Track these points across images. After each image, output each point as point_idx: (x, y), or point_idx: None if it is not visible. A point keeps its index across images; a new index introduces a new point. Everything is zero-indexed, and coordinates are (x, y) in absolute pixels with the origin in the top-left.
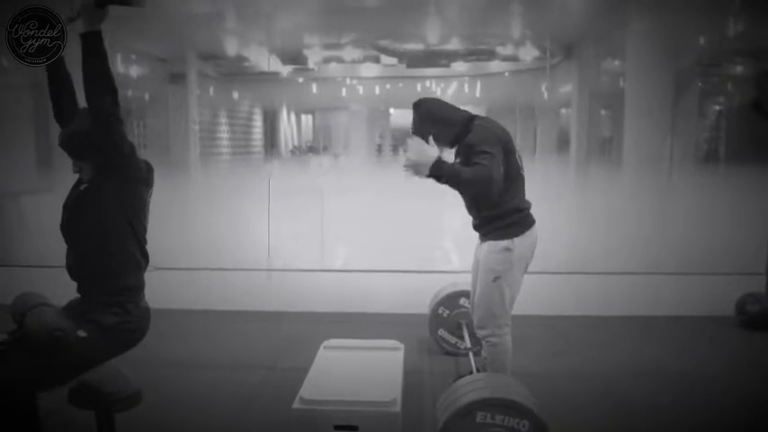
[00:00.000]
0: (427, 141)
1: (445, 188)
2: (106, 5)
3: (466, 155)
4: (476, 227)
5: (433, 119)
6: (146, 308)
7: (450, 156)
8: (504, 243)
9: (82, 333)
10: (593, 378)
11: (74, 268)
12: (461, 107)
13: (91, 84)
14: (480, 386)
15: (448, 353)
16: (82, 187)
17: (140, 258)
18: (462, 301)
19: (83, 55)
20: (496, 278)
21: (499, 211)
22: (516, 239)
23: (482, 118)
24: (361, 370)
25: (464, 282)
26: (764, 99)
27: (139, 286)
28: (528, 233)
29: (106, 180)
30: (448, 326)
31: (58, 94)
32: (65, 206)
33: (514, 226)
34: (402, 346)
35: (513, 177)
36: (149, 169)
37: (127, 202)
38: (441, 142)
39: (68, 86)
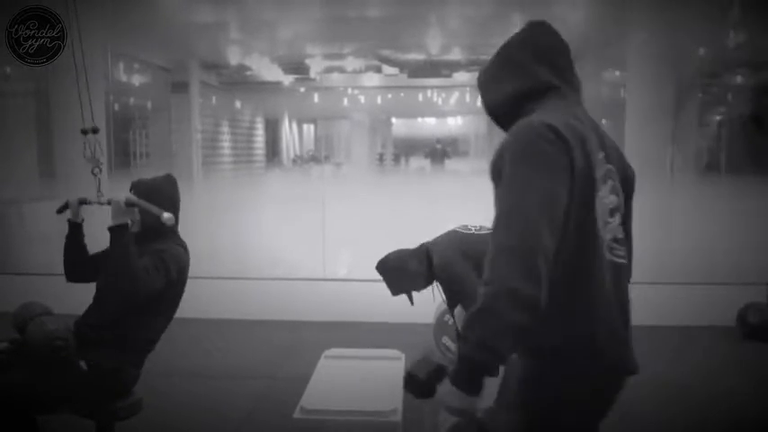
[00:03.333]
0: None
1: (447, 195)
2: (134, 206)
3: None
4: None
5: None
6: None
7: None
8: None
9: (83, 365)
10: None
11: (91, 328)
12: (462, 117)
13: (115, 270)
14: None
15: (451, 362)
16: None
17: (151, 346)
18: None
19: (110, 243)
20: None
21: None
22: None
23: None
24: (363, 379)
25: None
26: (764, 113)
27: (141, 360)
28: None
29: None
30: (452, 334)
31: (74, 259)
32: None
33: None
34: (403, 355)
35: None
36: (185, 253)
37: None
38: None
39: (84, 251)
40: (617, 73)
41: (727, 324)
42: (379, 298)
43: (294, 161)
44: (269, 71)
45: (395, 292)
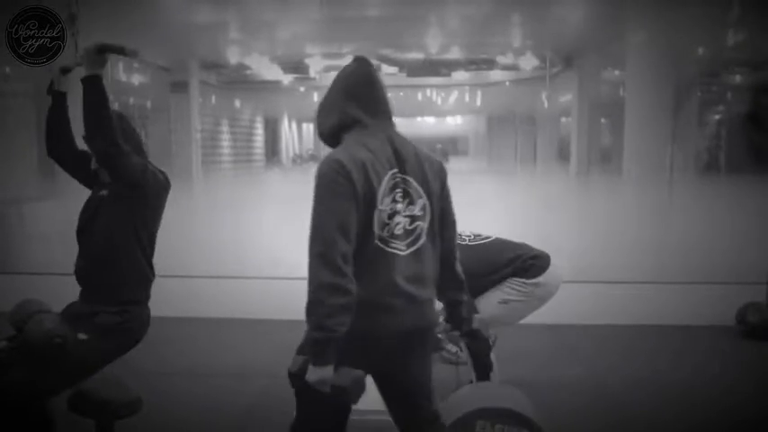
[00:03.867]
0: None
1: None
2: (106, 52)
3: None
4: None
5: None
6: (147, 312)
7: None
8: (534, 280)
9: (82, 336)
10: (594, 387)
11: (82, 273)
12: (462, 116)
13: (90, 125)
14: (481, 395)
15: (449, 362)
16: (101, 192)
17: (148, 272)
18: None
19: (84, 97)
20: (505, 301)
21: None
22: (541, 278)
23: None
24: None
25: None
26: (762, 113)
27: (144, 298)
28: (549, 271)
29: (121, 193)
30: (448, 335)
31: (56, 131)
32: (83, 210)
33: (534, 268)
34: None
35: None
36: (166, 180)
37: (139, 219)
38: None
39: (67, 124)
40: (616, 72)
41: (727, 323)
42: None
43: (294, 160)
44: (268, 70)
45: None
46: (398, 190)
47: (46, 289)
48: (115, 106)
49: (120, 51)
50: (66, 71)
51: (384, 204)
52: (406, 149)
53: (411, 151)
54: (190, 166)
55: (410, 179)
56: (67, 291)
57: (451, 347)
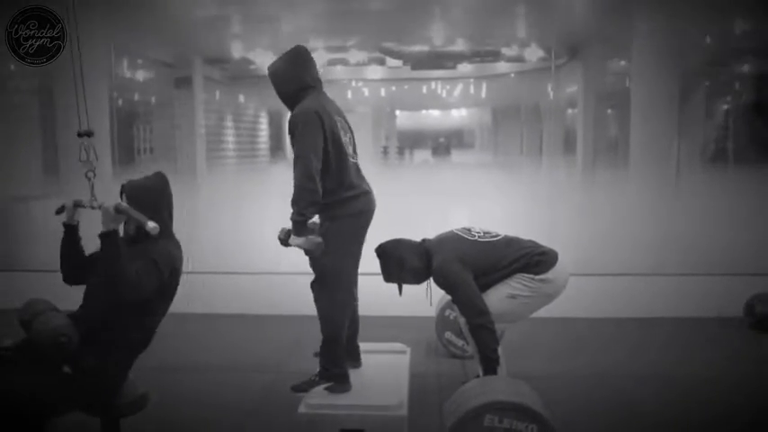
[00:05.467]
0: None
1: (452, 190)
2: (123, 213)
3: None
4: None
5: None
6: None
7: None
8: (541, 276)
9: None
10: (601, 380)
11: (79, 321)
12: (467, 109)
13: (107, 275)
14: (488, 389)
15: (455, 356)
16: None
17: (139, 347)
18: None
19: (101, 249)
20: (513, 296)
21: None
22: (549, 273)
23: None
24: (368, 373)
25: None
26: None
27: (125, 363)
28: (556, 268)
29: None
30: (455, 328)
31: (70, 261)
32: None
33: (542, 264)
34: (408, 349)
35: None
36: (180, 262)
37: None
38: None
39: (80, 253)
40: (621, 63)
41: (735, 315)
42: (384, 292)
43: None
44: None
45: (388, 279)
46: (348, 132)
47: (50, 286)
48: (119, 103)
49: (139, 220)
50: (78, 205)
51: (343, 134)
52: (340, 110)
53: (341, 111)
54: (194, 162)
55: (345, 120)
56: (72, 288)
57: (457, 341)
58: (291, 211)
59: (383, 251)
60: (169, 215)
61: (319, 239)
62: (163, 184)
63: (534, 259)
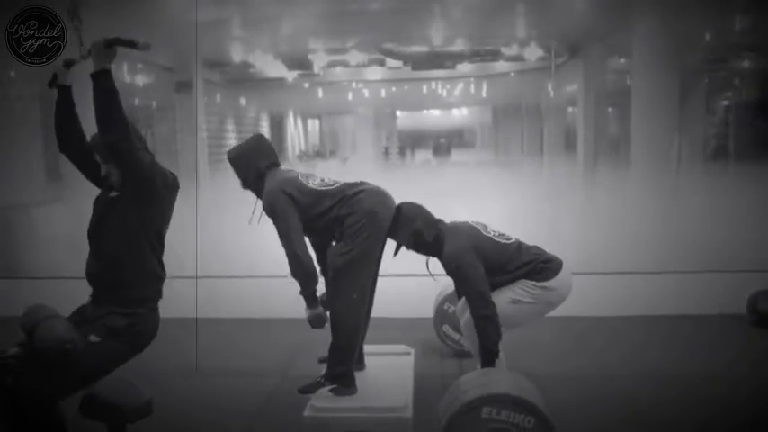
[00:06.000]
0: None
1: (454, 190)
2: (114, 45)
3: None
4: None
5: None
6: (156, 313)
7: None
8: (544, 283)
9: (94, 338)
10: (603, 379)
11: (93, 274)
12: (467, 108)
13: (102, 119)
14: (486, 381)
15: (454, 352)
16: (111, 194)
17: (159, 270)
18: None
19: (94, 92)
20: (515, 300)
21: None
22: (553, 281)
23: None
24: (372, 375)
25: None
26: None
27: (155, 297)
28: (560, 276)
29: (131, 193)
30: (453, 322)
31: (65, 126)
32: (93, 212)
33: (546, 271)
34: (412, 350)
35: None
36: (174, 179)
37: (150, 217)
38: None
39: (75, 118)
40: (622, 60)
41: (737, 312)
42: (389, 293)
43: (299, 157)
44: (272, 67)
45: (392, 236)
46: (306, 176)
47: (55, 293)
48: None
49: (131, 45)
50: (69, 64)
51: (313, 182)
52: (289, 173)
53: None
54: (196, 165)
55: (308, 174)
56: (76, 294)
57: (455, 335)
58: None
59: (400, 210)
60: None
61: (319, 311)
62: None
63: (539, 266)
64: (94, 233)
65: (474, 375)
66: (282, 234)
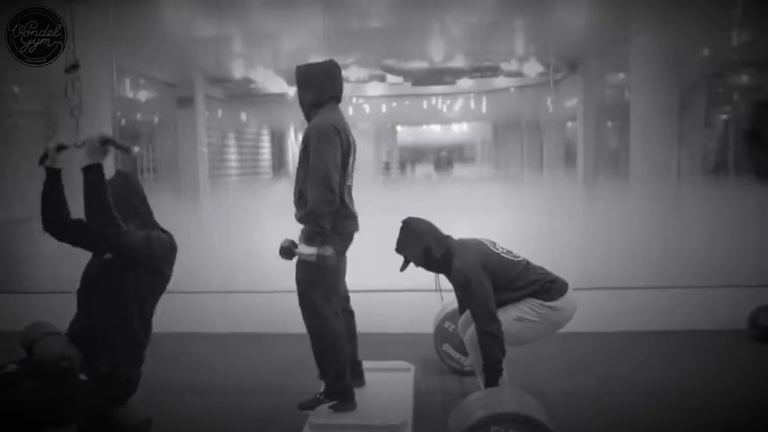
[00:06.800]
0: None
1: (454, 205)
2: (108, 145)
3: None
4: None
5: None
6: (137, 374)
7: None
8: (551, 303)
9: (83, 376)
10: (605, 396)
11: (79, 335)
12: (468, 123)
13: (90, 209)
14: (494, 401)
15: (453, 369)
16: (105, 256)
17: (143, 338)
18: None
19: (84, 184)
20: (520, 318)
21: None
22: (559, 302)
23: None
24: (372, 392)
25: None
26: (764, 129)
27: (136, 361)
28: (566, 297)
29: (125, 265)
30: (453, 341)
31: (50, 210)
32: (85, 271)
33: (552, 291)
34: (412, 366)
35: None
36: (171, 241)
37: (143, 284)
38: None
39: (61, 203)
40: (621, 75)
41: (739, 327)
42: (388, 309)
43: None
44: (273, 83)
45: (399, 251)
46: (354, 148)
47: (55, 307)
48: (122, 123)
49: (124, 150)
50: (62, 148)
51: (350, 158)
52: (349, 126)
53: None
54: (197, 180)
55: (353, 141)
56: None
57: (455, 354)
58: (302, 220)
59: (409, 225)
60: (147, 210)
61: (330, 249)
62: (123, 182)
63: (546, 286)
64: (85, 293)
65: (481, 395)
66: (317, 165)
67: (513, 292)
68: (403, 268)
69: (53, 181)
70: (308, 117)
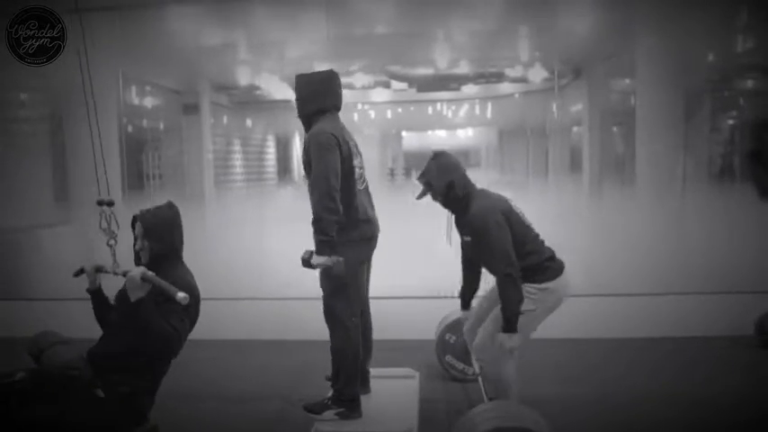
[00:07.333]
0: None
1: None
2: (148, 282)
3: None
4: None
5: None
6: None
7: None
8: (544, 285)
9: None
10: (609, 402)
11: (96, 355)
12: (473, 129)
13: (152, 339)
14: (497, 414)
15: (455, 379)
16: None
17: (154, 385)
18: None
19: (134, 318)
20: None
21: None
22: (551, 283)
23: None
24: (377, 399)
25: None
26: (764, 149)
27: (154, 387)
28: (561, 278)
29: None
30: (456, 352)
31: (106, 320)
32: (119, 300)
33: (549, 270)
34: (416, 373)
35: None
36: (197, 297)
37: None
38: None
39: (112, 310)
40: (626, 81)
41: (745, 333)
42: (393, 315)
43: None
44: (278, 90)
45: (422, 177)
46: (358, 156)
47: (61, 314)
48: (129, 129)
49: (165, 289)
50: (99, 270)
51: (356, 161)
52: (350, 133)
53: (351, 134)
54: (203, 187)
55: (356, 145)
56: (82, 316)
57: (458, 364)
58: (312, 231)
59: (440, 157)
60: (180, 243)
61: (341, 258)
62: (174, 214)
63: (545, 264)
64: (110, 326)
65: (485, 408)
66: (317, 174)
67: (521, 259)
68: (420, 196)
69: (98, 301)
70: (308, 126)
